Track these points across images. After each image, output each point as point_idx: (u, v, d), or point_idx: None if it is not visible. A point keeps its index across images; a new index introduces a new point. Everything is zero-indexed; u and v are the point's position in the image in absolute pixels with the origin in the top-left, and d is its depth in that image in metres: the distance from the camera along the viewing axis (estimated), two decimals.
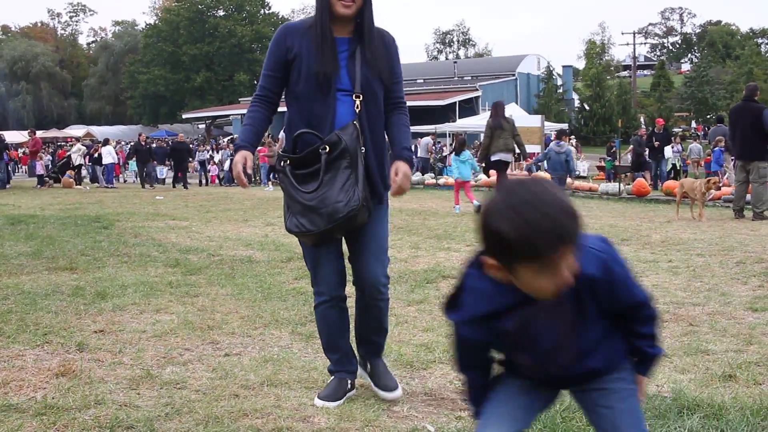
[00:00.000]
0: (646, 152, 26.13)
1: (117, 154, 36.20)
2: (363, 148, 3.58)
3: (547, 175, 15.62)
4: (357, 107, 3.61)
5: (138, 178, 31.14)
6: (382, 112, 3.76)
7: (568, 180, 16.48)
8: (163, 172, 33.50)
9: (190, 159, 33.14)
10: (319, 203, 3.50)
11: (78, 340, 4.86)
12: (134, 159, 33.82)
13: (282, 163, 3.68)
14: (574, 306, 2.06)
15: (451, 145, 32.92)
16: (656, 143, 24.76)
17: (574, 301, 2.05)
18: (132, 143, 46.86)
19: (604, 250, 2.07)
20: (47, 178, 28.49)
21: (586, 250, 2.02)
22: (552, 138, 31.10)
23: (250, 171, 3.70)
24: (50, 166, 30.67)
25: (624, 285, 2.12)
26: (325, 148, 3.53)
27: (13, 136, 51.70)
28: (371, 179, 3.66)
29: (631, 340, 2.23)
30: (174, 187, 28.05)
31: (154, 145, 32.86)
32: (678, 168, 27.63)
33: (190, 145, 37.26)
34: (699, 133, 54.99)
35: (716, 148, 20.94)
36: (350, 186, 3.50)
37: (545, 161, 16.09)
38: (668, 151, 26.78)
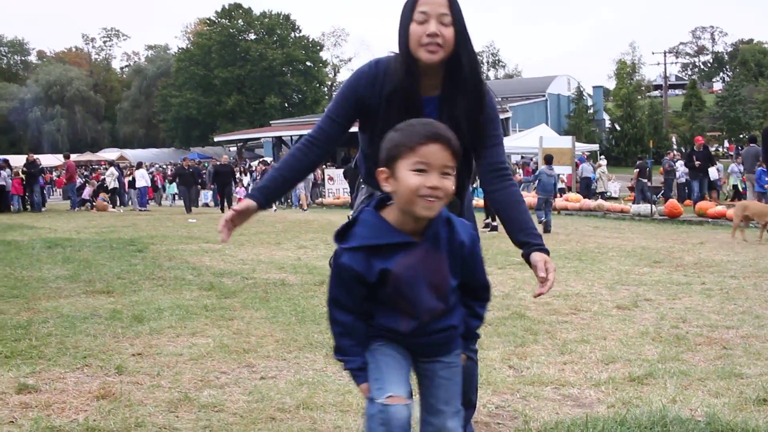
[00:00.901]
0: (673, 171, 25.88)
1: (154, 176, 36.54)
2: None
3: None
4: None
5: (181, 201, 29.99)
6: (465, 185, 3.19)
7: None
8: (207, 196, 33.35)
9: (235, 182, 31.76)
10: None
11: (117, 363, 4.96)
12: (174, 182, 33.72)
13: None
14: (448, 260, 2.42)
15: None
16: (697, 163, 23.83)
17: (448, 257, 2.42)
18: (167, 165, 47.36)
19: (475, 230, 2.57)
20: (88, 203, 28.87)
21: (464, 224, 2.49)
22: (585, 159, 31.18)
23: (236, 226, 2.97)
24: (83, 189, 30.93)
25: (481, 263, 2.55)
26: None
27: (47, 160, 52.40)
28: None
29: (465, 319, 2.57)
30: (222, 211, 25.96)
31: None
32: (739, 189, 26.33)
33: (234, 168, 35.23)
34: (731, 153, 54.63)
35: (759, 168, 20.41)
36: None
37: (536, 182, 17.61)
38: (713, 171, 25.85)
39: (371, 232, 2.37)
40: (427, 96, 3.01)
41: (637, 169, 29.68)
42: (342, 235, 2.42)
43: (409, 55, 2.92)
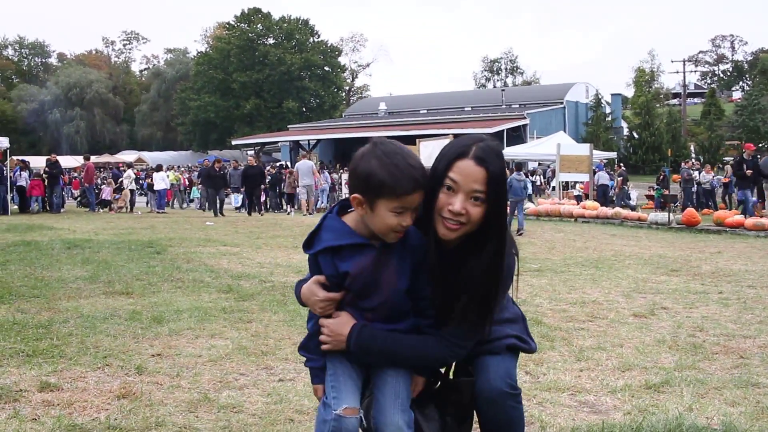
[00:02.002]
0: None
1: (179, 178, 36.55)
2: None
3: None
4: None
5: (207, 205, 28.95)
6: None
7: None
8: (238, 200, 31.96)
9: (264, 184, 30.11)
10: None
11: (137, 363, 5.01)
12: (199, 185, 33.19)
13: None
14: (401, 263, 2.59)
15: None
16: (748, 171, 22.21)
17: (401, 260, 2.59)
18: (185, 168, 47.48)
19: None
20: (108, 206, 29.03)
21: (416, 231, 2.61)
22: (602, 167, 31.15)
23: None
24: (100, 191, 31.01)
25: (427, 272, 2.64)
26: None
27: (66, 161, 52.65)
28: None
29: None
30: (250, 215, 25.54)
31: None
32: None
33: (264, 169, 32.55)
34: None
35: None
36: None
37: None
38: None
39: (333, 235, 2.60)
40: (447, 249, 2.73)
41: (620, 177, 30.17)
42: (309, 242, 2.67)
43: (430, 221, 2.66)
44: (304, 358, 2.80)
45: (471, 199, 2.59)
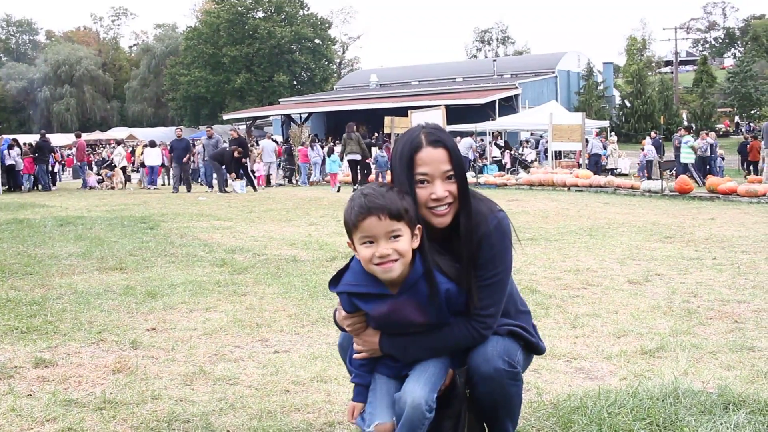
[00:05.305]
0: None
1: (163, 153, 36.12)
2: None
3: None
4: None
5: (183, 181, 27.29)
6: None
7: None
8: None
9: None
10: None
11: (131, 338, 5.01)
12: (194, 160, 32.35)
13: None
14: (430, 305, 2.67)
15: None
16: None
17: (432, 302, 2.67)
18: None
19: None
20: (99, 182, 28.85)
21: (440, 276, 2.68)
22: (594, 135, 31.08)
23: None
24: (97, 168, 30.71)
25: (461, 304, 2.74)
26: None
27: (58, 139, 52.36)
28: None
29: None
30: (255, 190, 24.51)
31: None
32: None
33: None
34: (728, 130, 54.58)
35: None
36: None
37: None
38: None
39: (354, 280, 2.72)
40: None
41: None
42: (336, 279, 2.78)
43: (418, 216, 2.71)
44: (351, 374, 2.92)
45: (446, 179, 2.73)
